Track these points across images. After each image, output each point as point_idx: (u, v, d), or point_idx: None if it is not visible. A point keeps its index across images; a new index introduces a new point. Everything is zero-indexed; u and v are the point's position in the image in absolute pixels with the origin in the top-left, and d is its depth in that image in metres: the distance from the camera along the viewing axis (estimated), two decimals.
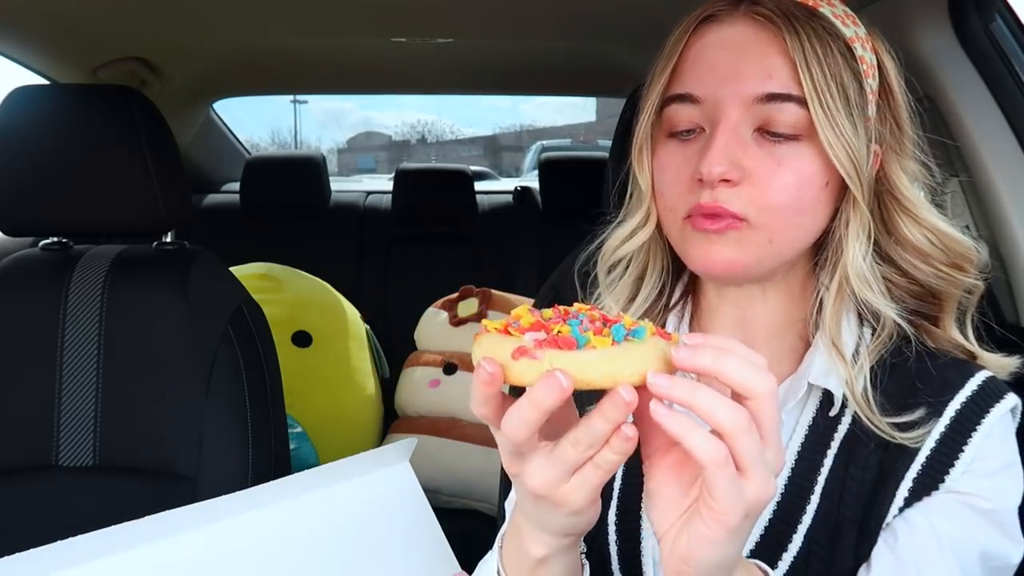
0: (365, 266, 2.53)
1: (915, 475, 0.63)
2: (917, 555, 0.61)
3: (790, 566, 0.65)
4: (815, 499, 0.66)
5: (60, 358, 1.15)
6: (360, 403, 2.06)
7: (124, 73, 1.86)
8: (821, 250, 0.67)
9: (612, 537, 0.72)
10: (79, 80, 1.78)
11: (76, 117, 1.18)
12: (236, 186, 2.56)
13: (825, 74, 0.61)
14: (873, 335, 0.67)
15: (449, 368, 2.08)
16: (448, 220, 2.55)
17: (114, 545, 0.69)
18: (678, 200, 0.65)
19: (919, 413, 0.62)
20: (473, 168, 2.90)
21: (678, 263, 0.74)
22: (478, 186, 2.64)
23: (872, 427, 0.63)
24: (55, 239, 1.25)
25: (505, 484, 0.87)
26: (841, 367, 0.64)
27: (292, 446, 1.67)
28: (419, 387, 2.09)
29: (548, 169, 2.57)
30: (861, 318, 0.68)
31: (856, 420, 0.65)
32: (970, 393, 0.64)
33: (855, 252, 0.64)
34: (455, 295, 2.19)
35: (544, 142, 10.67)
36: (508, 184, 3.65)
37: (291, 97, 14.50)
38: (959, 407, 0.63)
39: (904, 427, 0.62)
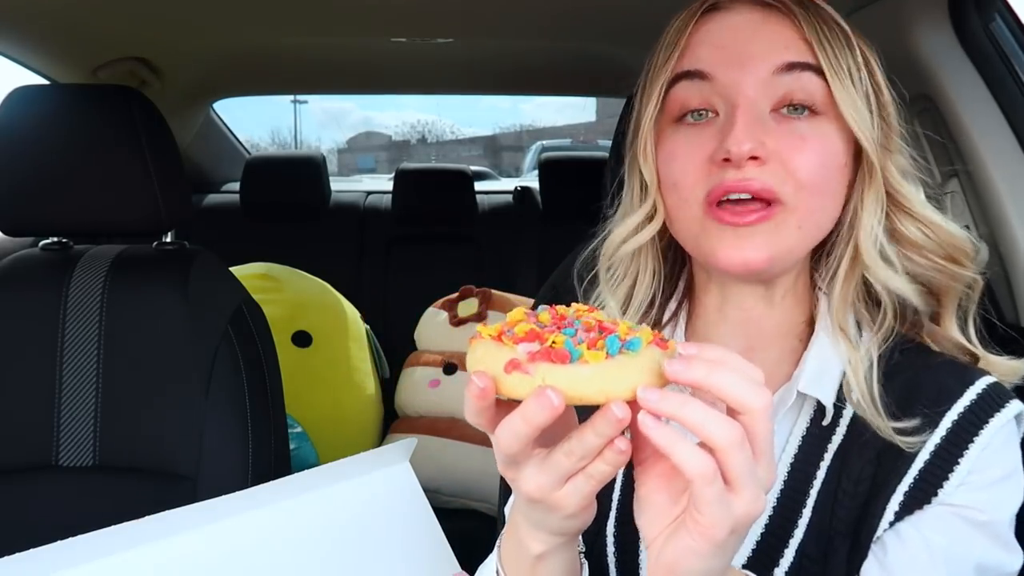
0: (365, 266, 2.53)
1: (907, 488, 0.61)
2: (906, 569, 0.60)
3: None
4: (807, 512, 0.64)
5: (60, 358, 1.15)
6: (360, 403, 2.06)
7: (124, 73, 1.86)
8: (827, 240, 0.67)
9: (611, 548, 0.71)
10: (79, 80, 1.78)
11: (76, 117, 1.18)
12: (236, 186, 2.56)
13: (836, 53, 0.61)
14: (872, 330, 0.65)
15: (449, 368, 2.08)
16: (448, 220, 2.55)
17: (114, 545, 0.69)
18: (695, 186, 0.62)
19: (915, 422, 0.61)
20: (473, 168, 2.90)
21: (672, 267, 0.72)
22: (478, 186, 2.64)
23: (872, 422, 0.61)
24: (55, 239, 1.25)
25: (505, 488, 0.87)
26: (846, 349, 0.63)
27: (292, 446, 1.67)
28: (419, 387, 2.09)
29: (548, 169, 2.57)
30: (859, 317, 0.67)
31: (851, 428, 0.64)
32: (968, 403, 0.62)
33: (872, 229, 0.63)
34: (455, 295, 2.19)
35: (544, 142, 10.68)
36: (508, 184, 3.65)
37: (291, 97, 14.50)
38: (956, 418, 0.61)
39: (902, 430, 0.61)
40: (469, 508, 1.93)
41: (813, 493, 0.65)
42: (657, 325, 0.73)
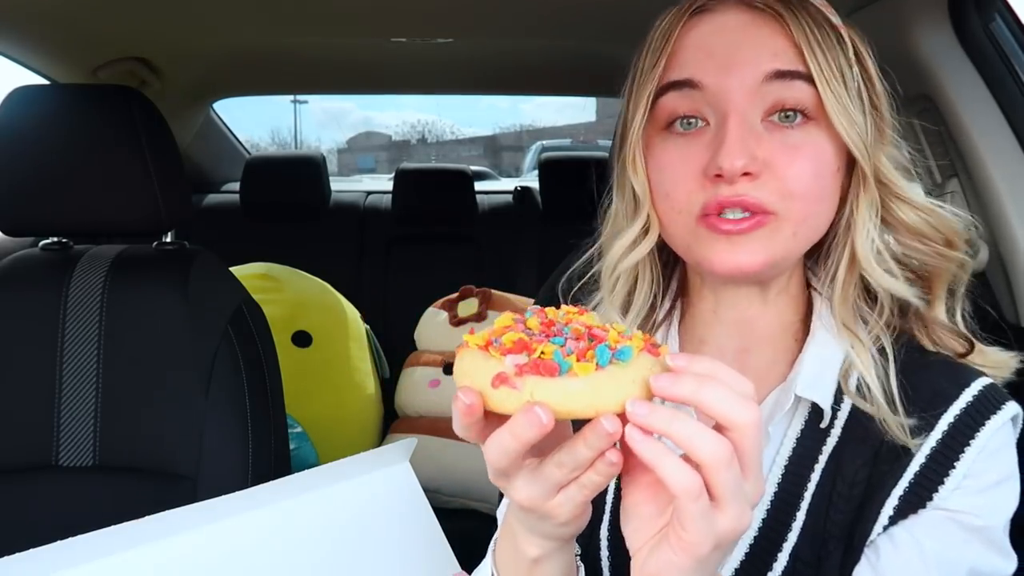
0: (365, 266, 2.53)
1: (902, 492, 0.61)
2: (899, 573, 0.60)
3: None
4: (801, 516, 0.64)
5: (60, 358, 1.15)
6: (360, 403, 2.06)
7: (124, 73, 1.86)
8: (822, 242, 0.66)
9: (604, 552, 0.71)
10: (79, 80, 1.78)
11: (76, 117, 1.18)
12: (236, 186, 2.56)
13: (827, 57, 0.60)
14: (867, 328, 0.65)
15: (449, 368, 2.08)
16: (448, 220, 2.55)
17: (114, 545, 0.69)
18: (688, 199, 0.61)
19: (912, 422, 0.60)
20: (473, 168, 2.90)
21: (665, 267, 0.72)
22: (478, 186, 2.64)
23: (885, 419, 0.60)
24: (55, 239, 1.25)
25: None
26: (856, 346, 0.63)
27: (292, 446, 1.67)
28: (419, 387, 2.09)
29: (548, 169, 2.57)
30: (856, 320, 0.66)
31: (847, 431, 0.63)
32: (964, 405, 0.61)
33: (867, 232, 0.63)
34: (455, 295, 2.19)
35: (544, 142, 10.68)
36: (508, 184, 3.65)
37: (291, 97, 14.51)
38: (952, 420, 0.61)
39: (908, 427, 0.60)
40: (469, 508, 1.93)
41: (807, 496, 0.64)
42: (654, 326, 0.72)
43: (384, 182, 3.13)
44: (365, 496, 0.82)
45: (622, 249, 0.68)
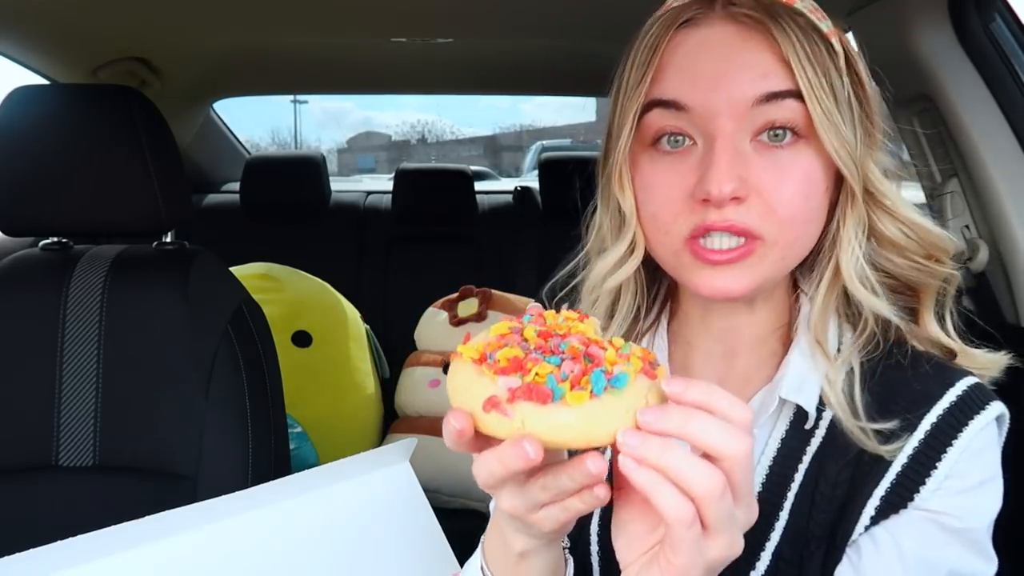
0: (365, 266, 2.53)
1: (884, 492, 0.60)
2: (879, 574, 0.60)
3: None
4: (784, 516, 0.64)
5: (60, 358, 1.15)
6: (360, 403, 2.06)
7: (124, 73, 1.86)
8: (808, 254, 0.65)
9: (594, 548, 0.71)
10: (79, 80, 1.78)
11: (76, 117, 1.18)
12: (236, 186, 2.56)
13: (816, 71, 0.58)
14: (857, 332, 0.64)
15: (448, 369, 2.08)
16: (448, 220, 2.55)
17: (114, 545, 0.69)
18: (676, 221, 0.60)
19: (894, 423, 0.60)
20: (473, 168, 2.90)
21: (653, 273, 0.71)
22: (478, 186, 2.63)
23: (850, 432, 0.60)
24: (55, 239, 1.25)
25: None
26: (824, 363, 0.62)
27: (292, 446, 1.67)
28: (419, 387, 2.09)
29: (548, 169, 2.57)
30: (840, 322, 0.66)
31: (830, 432, 0.63)
32: (948, 405, 0.60)
33: (852, 251, 0.62)
34: (455, 295, 2.19)
35: (544, 142, 10.68)
36: (508, 184, 3.64)
37: (291, 97, 14.51)
38: (935, 420, 0.60)
39: (880, 436, 0.60)
40: (469, 508, 1.93)
41: (791, 496, 0.64)
42: (638, 336, 0.72)
43: (384, 182, 3.13)
44: (365, 496, 0.82)
45: (607, 268, 0.67)
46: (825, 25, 0.62)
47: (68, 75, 1.77)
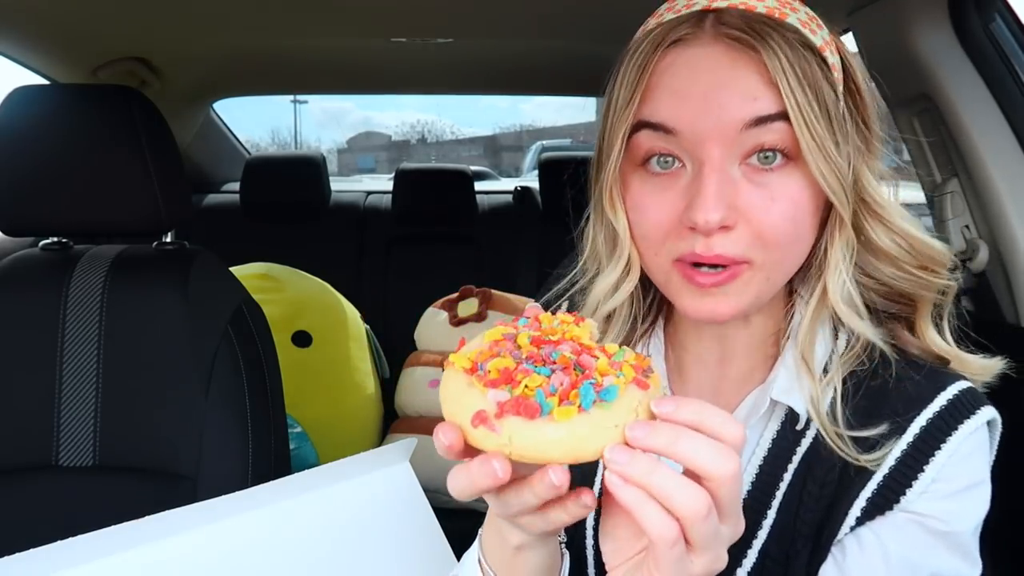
0: (365, 266, 2.53)
1: (871, 493, 0.60)
2: (863, 573, 0.60)
3: None
4: (772, 514, 0.64)
5: (60, 358, 1.15)
6: (360, 403, 2.06)
7: (124, 73, 1.86)
8: (801, 267, 0.65)
9: (589, 542, 0.72)
10: (79, 80, 1.78)
11: (76, 117, 1.18)
12: (236, 186, 2.56)
13: (806, 92, 0.57)
14: (847, 346, 0.64)
15: None
16: (448, 220, 2.55)
17: (114, 545, 0.69)
18: (665, 243, 0.60)
19: (882, 429, 0.60)
20: (473, 168, 2.90)
21: (647, 281, 0.70)
22: (478, 186, 2.64)
23: (835, 446, 0.60)
24: (55, 239, 1.25)
25: None
26: (808, 383, 0.62)
27: (292, 446, 1.67)
28: (419, 387, 2.09)
29: (548, 169, 2.57)
30: (835, 329, 0.66)
31: (819, 436, 0.63)
32: (938, 409, 0.60)
33: (839, 273, 0.62)
34: (455, 295, 2.19)
35: (544, 142, 10.69)
36: (508, 184, 3.65)
37: (291, 97, 14.52)
38: (924, 424, 0.60)
39: (867, 446, 0.60)
40: (469, 508, 1.93)
41: (779, 495, 0.65)
42: (634, 342, 0.72)
43: (384, 182, 3.13)
44: (365, 496, 0.82)
45: (604, 291, 0.67)
46: (820, 37, 0.60)
47: (68, 75, 1.77)
